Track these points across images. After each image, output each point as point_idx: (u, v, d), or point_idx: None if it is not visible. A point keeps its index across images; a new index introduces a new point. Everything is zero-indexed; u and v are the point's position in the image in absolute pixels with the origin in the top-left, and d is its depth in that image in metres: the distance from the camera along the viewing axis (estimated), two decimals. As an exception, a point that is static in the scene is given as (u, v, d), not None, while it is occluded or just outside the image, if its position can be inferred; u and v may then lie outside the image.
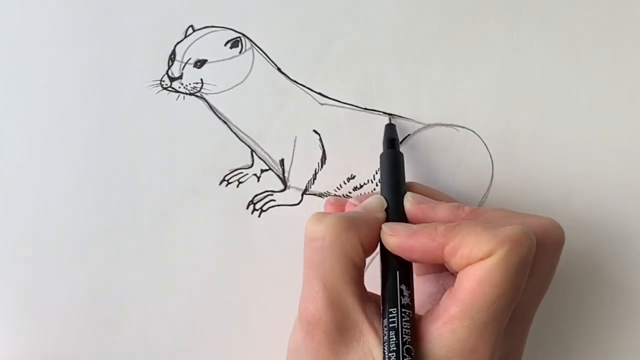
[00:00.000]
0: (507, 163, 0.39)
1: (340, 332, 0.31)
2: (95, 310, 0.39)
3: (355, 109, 0.39)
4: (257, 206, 0.39)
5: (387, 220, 0.34)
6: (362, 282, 0.32)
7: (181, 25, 0.39)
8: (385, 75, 0.39)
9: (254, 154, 0.39)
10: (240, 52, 0.39)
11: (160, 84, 0.39)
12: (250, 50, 0.39)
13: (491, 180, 0.39)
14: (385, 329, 0.30)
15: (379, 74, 0.39)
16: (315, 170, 0.39)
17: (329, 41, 0.39)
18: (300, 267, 0.39)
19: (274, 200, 0.39)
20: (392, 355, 0.29)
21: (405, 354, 0.29)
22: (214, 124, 0.39)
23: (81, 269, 0.39)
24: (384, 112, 0.39)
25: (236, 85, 0.39)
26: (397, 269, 0.32)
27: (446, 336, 0.30)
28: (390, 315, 0.30)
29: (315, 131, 0.39)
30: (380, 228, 0.33)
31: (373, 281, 0.33)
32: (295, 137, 0.39)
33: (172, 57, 0.39)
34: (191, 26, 0.39)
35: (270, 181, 0.39)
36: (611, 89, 0.39)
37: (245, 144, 0.39)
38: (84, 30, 0.39)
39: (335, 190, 0.39)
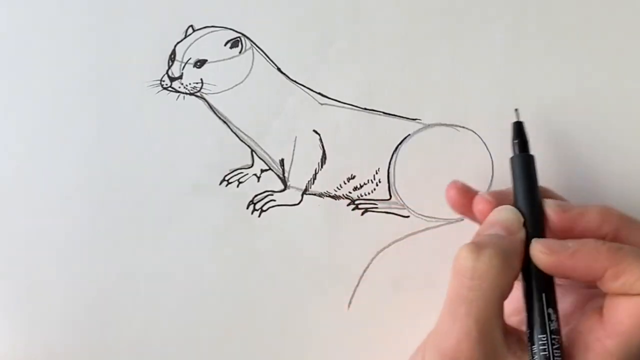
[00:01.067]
0: (507, 163, 0.39)
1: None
2: (95, 310, 0.39)
3: (355, 109, 0.39)
4: (257, 206, 0.39)
5: (527, 234, 0.32)
6: (504, 313, 0.31)
7: (181, 25, 0.39)
8: (385, 75, 0.39)
9: (254, 154, 0.39)
10: (240, 52, 0.39)
11: (160, 84, 0.39)
12: (250, 50, 0.39)
13: (491, 180, 0.39)
14: (536, 356, 0.30)
15: (379, 73, 0.39)
16: (315, 170, 0.39)
17: (329, 41, 0.39)
18: (299, 267, 0.39)
19: (274, 200, 0.39)
20: None
21: None
22: (214, 124, 0.39)
23: (81, 269, 0.39)
24: (384, 112, 0.39)
25: (236, 85, 0.39)
26: (542, 291, 0.31)
27: None
28: (540, 343, 0.30)
29: (315, 131, 0.39)
30: (524, 249, 0.32)
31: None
32: (295, 137, 0.39)
33: (172, 57, 0.39)
34: (191, 26, 0.39)
35: (270, 181, 0.39)
36: (612, 88, 0.39)
37: (245, 144, 0.39)
38: (84, 31, 0.39)
39: (335, 190, 0.39)
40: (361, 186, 0.39)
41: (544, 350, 0.29)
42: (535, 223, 0.32)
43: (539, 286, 0.31)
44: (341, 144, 0.39)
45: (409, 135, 0.39)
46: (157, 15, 0.39)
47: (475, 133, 0.39)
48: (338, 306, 0.39)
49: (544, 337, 0.30)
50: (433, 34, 0.39)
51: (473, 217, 0.35)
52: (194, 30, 0.39)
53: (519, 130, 0.35)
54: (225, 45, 0.39)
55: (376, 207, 0.39)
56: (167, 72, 0.39)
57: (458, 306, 0.31)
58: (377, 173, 0.39)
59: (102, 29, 0.39)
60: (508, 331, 0.31)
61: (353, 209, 0.39)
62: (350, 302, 0.39)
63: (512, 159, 0.35)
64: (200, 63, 0.39)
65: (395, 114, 0.39)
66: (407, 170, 0.39)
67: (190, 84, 0.39)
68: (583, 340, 0.30)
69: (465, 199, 0.35)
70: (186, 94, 0.39)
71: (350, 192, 0.39)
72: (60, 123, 0.39)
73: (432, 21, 0.39)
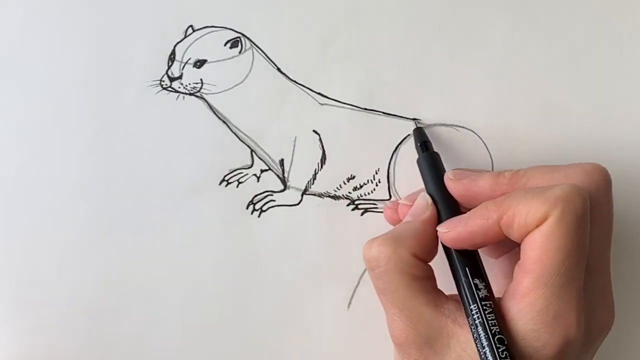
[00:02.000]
0: (507, 163, 0.39)
1: (429, 343, 0.31)
2: (95, 310, 0.39)
3: (355, 109, 0.39)
4: (257, 206, 0.39)
5: (439, 214, 0.34)
6: (432, 288, 0.33)
7: (181, 25, 0.39)
8: (385, 75, 0.39)
9: (254, 154, 0.39)
10: (240, 52, 0.39)
11: (160, 84, 0.39)
12: (250, 50, 0.39)
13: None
14: (473, 327, 0.30)
15: (379, 74, 0.39)
16: (315, 170, 0.39)
17: (329, 41, 0.39)
18: (299, 267, 0.39)
19: (274, 201, 0.39)
20: (486, 350, 0.29)
21: (498, 345, 0.29)
22: (214, 124, 0.39)
23: (81, 269, 0.39)
24: (384, 112, 0.39)
25: (236, 85, 0.39)
26: (465, 264, 0.32)
27: (527, 310, 0.30)
28: (472, 313, 0.31)
29: (315, 131, 0.39)
30: (432, 229, 0.33)
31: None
32: (295, 137, 0.39)
33: (172, 57, 0.39)
34: (191, 26, 0.39)
35: (270, 181, 0.39)
36: (612, 88, 0.39)
37: (245, 144, 0.39)
38: (83, 30, 0.39)
39: (335, 190, 0.39)
40: (361, 186, 0.39)
41: (479, 317, 0.30)
42: (444, 202, 0.34)
43: (461, 261, 0.32)
44: (341, 144, 0.39)
45: (409, 135, 0.39)
46: (157, 15, 0.39)
47: (475, 133, 0.39)
48: (338, 306, 0.39)
49: (475, 307, 0.31)
50: (433, 34, 0.39)
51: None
52: (193, 30, 0.39)
53: (419, 134, 0.38)
54: (225, 45, 0.39)
55: (376, 207, 0.39)
56: (166, 72, 0.39)
57: (380, 297, 0.33)
58: (377, 173, 0.39)
59: (102, 29, 0.39)
60: (442, 301, 0.32)
61: (353, 209, 0.39)
62: (350, 302, 0.39)
63: (417, 160, 0.37)
64: (200, 63, 0.39)
65: (395, 114, 0.39)
66: (407, 170, 0.39)
67: (190, 84, 0.39)
68: (511, 290, 0.31)
69: (395, 212, 0.37)
70: (186, 94, 0.39)
71: (350, 192, 0.39)
72: (60, 123, 0.39)
73: (432, 21, 0.39)
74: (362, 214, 0.39)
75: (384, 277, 0.32)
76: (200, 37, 0.39)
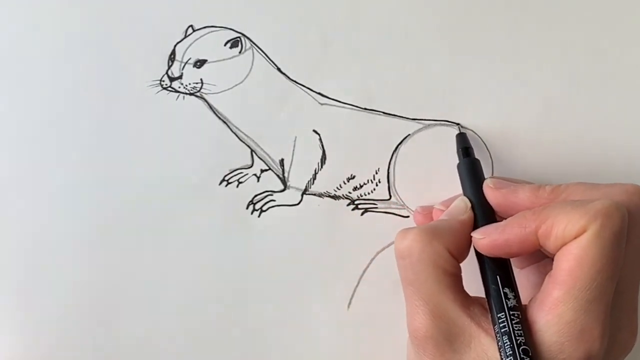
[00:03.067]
0: (507, 163, 0.39)
1: (449, 341, 0.31)
2: (95, 310, 0.39)
3: (355, 109, 0.39)
4: (257, 206, 0.39)
5: (475, 219, 0.34)
6: (460, 287, 0.33)
7: (181, 25, 0.39)
8: (385, 75, 0.39)
9: (254, 154, 0.39)
10: (240, 52, 0.39)
11: (160, 84, 0.39)
12: (250, 50, 0.39)
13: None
14: (498, 335, 0.30)
15: (379, 73, 0.39)
16: (315, 170, 0.39)
17: (329, 41, 0.39)
18: (299, 267, 0.39)
19: (274, 200, 0.39)
20: (510, 359, 0.29)
21: (523, 355, 0.29)
22: (214, 124, 0.39)
23: (81, 269, 0.39)
24: (384, 112, 0.39)
25: (236, 85, 0.39)
26: (496, 273, 0.32)
27: (554, 322, 0.29)
28: (500, 321, 0.30)
29: (315, 131, 0.39)
30: (468, 231, 0.33)
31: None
32: (295, 137, 0.39)
33: (172, 57, 0.39)
34: (191, 26, 0.39)
35: (270, 181, 0.39)
36: (612, 88, 0.39)
37: (245, 144, 0.39)
38: (84, 30, 0.39)
39: (335, 190, 0.39)
40: (361, 186, 0.39)
41: (504, 327, 0.30)
42: (481, 208, 0.34)
43: (493, 268, 0.32)
44: (341, 144, 0.39)
45: (409, 135, 0.39)
46: (157, 15, 0.39)
47: (475, 133, 0.39)
48: (338, 306, 0.39)
49: (502, 316, 0.31)
50: (433, 34, 0.39)
51: None
52: (193, 30, 0.39)
53: (462, 139, 0.38)
54: (225, 45, 0.39)
55: (376, 207, 0.39)
56: (167, 72, 0.39)
57: (405, 288, 0.33)
58: (377, 173, 0.39)
59: (102, 29, 0.39)
60: (469, 302, 0.32)
61: (353, 209, 0.39)
62: (350, 302, 0.39)
63: (457, 165, 0.37)
64: (200, 63, 0.39)
65: (395, 114, 0.39)
66: (407, 170, 0.39)
67: (190, 84, 0.39)
68: (538, 300, 0.31)
69: (427, 217, 0.37)
70: (186, 94, 0.39)
71: (350, 192, 0.39)
72: (60, 123, 0.39)
73: (432, 21, 0.39)
74: (362, 214, 0.39)
75: (414, 268, 0.32)
76: (200, 37, 0.39)
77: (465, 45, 0.39)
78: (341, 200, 0.39)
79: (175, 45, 0.39)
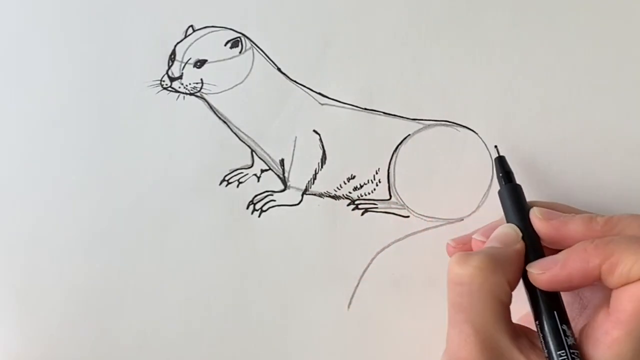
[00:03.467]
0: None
1: None
2: (95, 309, 0.39)
3: (355, 109, 0.39)
4: (257, 206, 0.39)
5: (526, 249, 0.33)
6: (510, 318, 0.32)
7: (181, 25, 0.39)
8: (385, 75, 0.39)
9: (254, 154, 0.39)
10: (240, 52, 0.39)
11: (160, 84, 0.39)
12: (250, 50, 0.39)
13: (491, 181, 0.39)
14: None
15: (379, 74, 0.39)
16: (315, 170, 0.39)
17: (329, 41, 0.39)
18: (300, 267, 0.39)
19: (274, 201, 0.39)
20: None
21: None
22: (214, 124, 0.39)
23: (81, 269, 0.39)
24: (384, 112, 0.39)
25: (236, 85, 0.39)
26: (553, 308, 0.32)
27: None
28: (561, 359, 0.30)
29: (315, 131, 0.39)
30: (522, 261, 0.33)
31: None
32: (295, 137, 0.39)
33: (172, 57, 0.39)
34: (191, 26, 0.39)
35: (271, 181, 0.39)
36: (612, 88, 0.39)
37: (245, 144, 0.39)
38: (84, 30, 0.39)
39: (336, 190, 0.39)
40: (361, 186, 0.39)
41: None
42: (529, 238, 0.34)
43: (548, 304, 0.32)
44: (341, 144, 0.39)
45: (409, 135, 0.39)
46: (157, 15, 0.39)
47: (475, 133, 0.39)
48: (338, 306, 0.39)
49: (563, 353, 0.30)
50: (433, 33, 0.39)
51: None
52: (194, 30, 0.39)
53: (501, 163, 0.37)
54: (225, 45, 0.39)
55: (376, 207, 0.39)
56: (167, 72, 0.39)
57: (455, 314, 0.32)
58: (377, 173, 0.39)
59: (102, 29, 0.39)
60: (518, 334, 0.32)
61: (353, 209, 0.39)
62: (350, 302, 0.39)
63: (499, 192, 0.36)
64: (200, 63, 0.39)
65: (395, 114, 0.39)
66: (407, 170, 0.39)
67: (190, 84, 0.39)
68: (593, 337, 0.30)
69: (465, 248, 0.36)
70: (186, 94, 0.39)
71: (350, 192, 0.39)
72: (61, 123, 0.39)
73: (432, 21, 0.39)
74: (362, 214, 0.39)
75: (472, 296, 0.31)
76: (201, 37, 0.39)
77: (465, 46, 0.39)
78: (341, 200, 0.39)
79: (175, 45, 0.39)
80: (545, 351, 0.31)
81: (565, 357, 0.30)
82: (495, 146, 0.38)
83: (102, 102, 0.39)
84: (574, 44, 0.39)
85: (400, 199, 0.39)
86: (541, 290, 0.32)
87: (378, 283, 0.39)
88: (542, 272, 0.32)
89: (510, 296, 0.32)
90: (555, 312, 0.31)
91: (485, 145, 0.39)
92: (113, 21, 0.39)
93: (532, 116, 0.39)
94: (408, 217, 0.39)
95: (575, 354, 0.30)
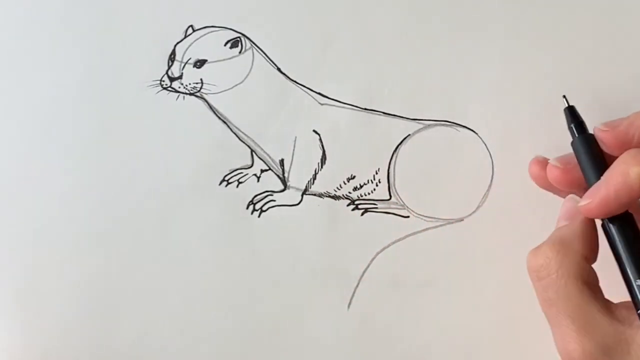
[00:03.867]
0: (507, 163, 0.39)
1: (608, 353, 0.29)
2: (95, 310, 0.39)
3: (355, 109, 0.39)
4: (257, 206, 0.39)
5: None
6: (602, 294, 0.31)
7: (181, 25, 0.39)
8: (385, 75, 0.39)
9: (254, 154, 0.39)
10: (240, 52, 0.39)
11: (160, 84, 0.39)
12: (250, 50, 0.39)
13: (491, 180, 0.39)
14: None
15: (379, 74, 0.39)
16: (315, 170, 0.39)
17: (329, 41, 0.39)
18: (299, 267, 0.39)
19: (274, 201, 0.39)
20: None
21: None
22: (214, 124, 0.39)
23: (81, 269, 0.39)
24: (384, 112, 0.39)
25: (236, 85, 0.39)
26: (637, 260, 0.30)
27: None
28: None
29: (315, 131, 0.39)
30: (591, 226, 0.32)
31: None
32: (295, 137, 0.39)
33: (172, 57, 0.39)
34: (191, 26, 0.39)
35: (270, 181, 0.39)
36: (612, 88, 0.39)
37: (245, 144, 0.39)
38: (84, 31, 0.39)
39: (335, 190, 0.39)
40: (361, 186, 0.39)
41: None
42: None
43: (632, 258, 0.30)
44: (341, 144, 0.39)
45: (409, 135, 0.39)
46: (157, 15, 0.39)
47: (476, 133, 0.39)
48: (338, 306, 0.39)
49: None
50: (433, 33, 0.39)
51: (555, 190, 0.35)
52: (193, 30, 0.39)
53: (572, 113, 0.35)
54: (225, 45, 0.39)
55: (376, 207, 0.39)
56: (167, 72, 0.39)
57: (548, 309, 0.31)
58: (377, 173, 0.39)
59: (102, 29, 0.39)
60: (614, 308, 0.30)
61: (353, 209, 0.39)
62: (350, 302, 0.39)
63: (572, 143, 0.34)
64: (200, 63, 0.39)
65: (395, 114, 0.39)
66: (407, 170, 0.39)
67: (190, 84, 0.39)
68: None
69: (543, 170, 0.35)
70: (186, 94, 0.39)
71: (350, 192, 0.39)
72: (61, 123, 0.39)
73: (432, 21, 0.39)
74: (362, 214, 0.39)
75: (554, 286, 0.30)
76: (200, 37, 0.39)
77: (465, 46, 0.39)
78: (341, 200, 0.39)
79: (175, 45, 0.39)
80: (636, 312, 0.30)
81: None
82: (564, 96, 0.35)
83: (102, 102, 0.39)
84: (575, 44, 0.39)
85: (400, 199, 0.39)
86: (624, 248, 0.31)
87: (378, 283, 0.39)
88: (589, 200, 0.31)
89: (592, 271, 0.31)
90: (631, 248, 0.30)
91: (485, 145, 0.39)
92: (113, 21, 0.39)
93: (532, 116, 0.39)
94: (408, 217, 0.39)
95: None
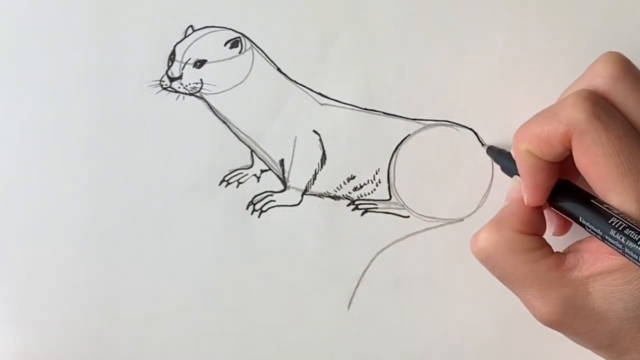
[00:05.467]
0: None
1: (572, 302, 0.31)
2: (95, 310, 0.39)
3: (355, 109, 0.39)
4: (257, 207, 0.39)
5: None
6: (549, 253, 0.32)
7: (181, 25, 0.39)
8: (385, 75, 0.39)
9: (253, 154, 0.39)
10: (240, 52, 0.39)
11: (160, 84, 0.39)
12: (250, 51, 0.39)
13: (491, 180, 0.39)
14: (618, 235, 0.29)
15: (379, 73, 0.39)
16: (315, 171, 0.39)
17: (329, 41, 0.39)
18: (299, 267, 0.39)
19: (274, 201, 0.39)
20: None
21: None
22: (214, 124, 0.39)
23: (80, 269, 0.39)
24: (384, 112, 0.39)
25: (236, 85, 0.39)
26: (575, 203, 0.32)
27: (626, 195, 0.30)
28: (615, 224, 0.29)
29: (315, 131, 0.39)
30: (519, 205, 0.33)
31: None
32: (295, 137, 0.39)
33: (171, 57, 0.39)
34: (191, 26, 0.39)
35: (270, 181, 0.39)
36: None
37: (245, 144, 0.39)
38: (84, 30, 0.39)
39: (335, 191, 0.39)
40: (361, 186, 0.39)
41: (620, 224, 0.29)
42: None
43: (569, 204, 0.32)
44: (341, 144, 0.39)
45: (409, 135, 0.39)
46: (157, 15, 0.39)
47: (475, 133, 0.39)
48: (338, 306, 0.39)
49: (614, 220, 0.29)
50: (433, 33, 0.39)
51: None
52: (193, 31, 0.39)
53: (492, 152, 0.38)
54: (225, 45, 0.39)
55: (376, 208, 0.39)
56: (166, 73, 0.39)
57: (505, 283, 0.33)
58: (377, 173, 0.39)
59: (102, 29, 0.39)
60: (564, 259, 0.32)
61: (353, 209, 0.39)
62: (350, 302, 0.39)
63: (501, 168, 0.37)
64: (200, 63, 0.39)
65: (395, 114, 0.39)
66: (407, 170, 0.39)
67: (190, 84, 0.39)
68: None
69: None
70: (186, 94, 0.39)
71: (350, 193, 0.39)
72: (60, 123, 0.39)
73: (432, 21, 0.39)
74: (362, 214, 0.39)
75: (498, 263, 0.32)
76: (200, 37, 0.39)
77: (465, 45, 0.39)
78: (341, 200, 0.39)
79: (175, 46, 0.39)
80: (598, 232, 0.30)
81: (616, 220, 0.29)
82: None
83: (102, 102, 0.39)
84: (575, 43, 0.39)
85: (400, 199, 0.39)
86: (563, 199, 0.32)
87: (378, 283, 0.39)
88: (526, 195, 0.33)
89: (536, 240, 0.32)
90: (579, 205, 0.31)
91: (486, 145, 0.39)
92: (113, 21, 0.39)
93: (531, 116, 0.39)
94: (408, 217, 0.39)
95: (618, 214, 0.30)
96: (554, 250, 0.33)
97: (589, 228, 0.31)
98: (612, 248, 0.30)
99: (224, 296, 0.39)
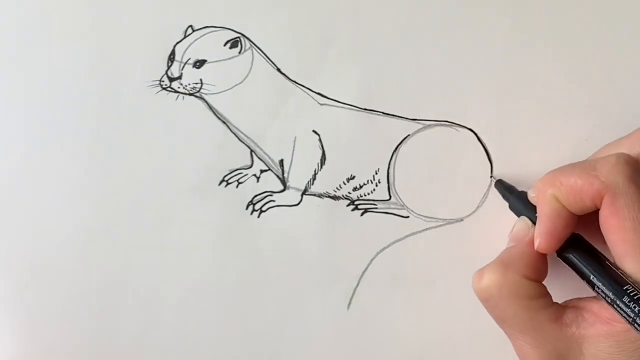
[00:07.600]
0: (507, 163, 0.39)
1: (563, 358, 0.31)
2: (95, 310, 0.40)
3: (355, 109, 0.39)
4: (257, 207, 0.39)
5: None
6: (550, 303, 0.33)
7: (181, 25, 0.39)
8: (385, 75, 0.39)
9: (253, 154, 0.39)
10: (240, 53, 0.39)
11: (160, 84, 0.39)
12: (250, 51, 0.39)
13: (491, 181, 0.39)
14: (631, 304, 0.30)
15: (379, 73, 0.39)
16: (315, 171, 0.39)
17: (329, 41, 0.39)
18: (299, 267, 0.39)
19: (274, 201, 0.39)
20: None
21: None
22: (213, 124, 0.39)
23: (80, 269, 0.39)
24: (384, 113, 0.39)
25: (236, 85, 0.39)
26: (590, 265, 0.32)
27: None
28: (629, 292, 0.30)
29: (315, 131, 0.39)
30: (529, 249, 0.34)
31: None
32: (295, 138, 0.39)
33: (171, 58, 0.39)
34: (191, 26, 0.39)
35: (270, 182, 0.39)
36: (611, 88, 0.39)
37: (245, 144, 0.39)
38: (84, 30, 0.39)
39: (335, 191, 0.39)
40: (361, 187, 0.39)
41: (635, 293, 0.30)
42: None
43: (583, 263, 0.32)
44: (341, 144, 0.39)
45: (409, 135, 0.39)
46: (157, 15, 0.39)
47: (475, 133, 0.39)
48: (338, 306, 0.39)
49: (629, 287, 0.30)
50: (433, 34, 0.39)
51: None
52: (193, 31, 0.39)
53: (501, 186, 0.38)
54: (225, 45, 0.39)
55: (376, 208, 0.39)
56: (166, 73, 0.39)
57: (501, 326, 0.33)
58: (377, 173, 0.39)
59: (102, 29, 0.39)
60: (563, 312, 0.32)
61: (353, 210, 0.39)
62: (350, 302, 0.39)
63: (510, 206, 0.37)
64: (199, 63, 0.39)
65: (395, 114, 0.39)
66: (407, 170, 0.39)
67: (189, 84, 0.39)
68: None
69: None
70: (186, 94, 0.39)
71: (350, 193, 0.39)
72: (60, 123, 0.39)
73: (432, 21, 0.39)
74: (362, 214, 0.39)
75: (499, 306, 0.32)
76: (200, 37, 0.39)
77: (465, 45, 0.39)
78: (341, 200, 0.39)
79: (175, 46, 0.39)
80: (606, 298, 0.31)
81: (632, 289, 0.30)
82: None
83: (102, 103, 0.39)
84: (575, 43, 0.39)
85: (400, 199, 0.39)
86: (575, 255, 0.33)
87: (378, 283, 0.39)
88: (538, 239, 0.33)
89: (539, 287, 0.33)
90: (592, 267, 0.32)
91: (485, 146, 0.39)
92: (113, 21, 0.39)
93: (532, 116, 0.39)
94: (408, 217, 0.39)
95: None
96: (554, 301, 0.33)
97: (599, 289, 0.31)
98: (620, 314, 0.30)
99: (224, 296, 0.39)
